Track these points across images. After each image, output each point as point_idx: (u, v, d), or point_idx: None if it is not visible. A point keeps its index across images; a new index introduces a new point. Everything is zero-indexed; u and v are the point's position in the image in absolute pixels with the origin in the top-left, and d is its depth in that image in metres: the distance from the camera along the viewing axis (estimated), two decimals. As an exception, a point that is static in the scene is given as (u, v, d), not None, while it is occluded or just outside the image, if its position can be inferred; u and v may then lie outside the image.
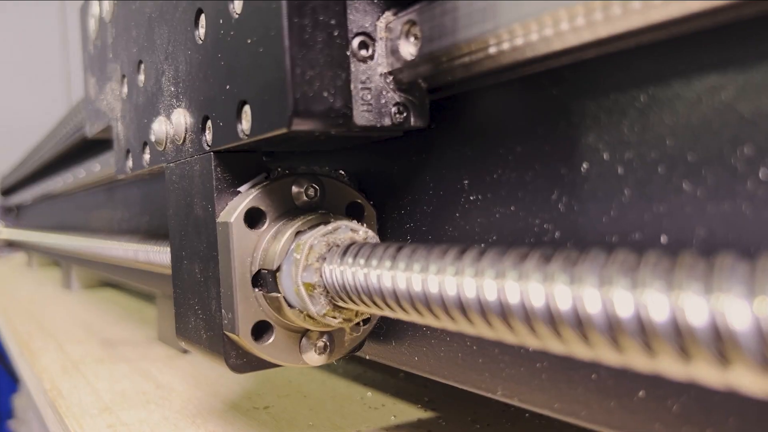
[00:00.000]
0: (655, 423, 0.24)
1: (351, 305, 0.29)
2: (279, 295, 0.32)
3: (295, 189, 0.33)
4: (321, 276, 0.30)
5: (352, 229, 0.32)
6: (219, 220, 0.33)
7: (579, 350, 0.19)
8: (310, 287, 0.30)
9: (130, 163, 0.46)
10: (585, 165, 0.25)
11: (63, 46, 3.17)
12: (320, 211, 0.33)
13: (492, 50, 0.25)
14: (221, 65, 0.32)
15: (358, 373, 0.58)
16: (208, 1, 0.32)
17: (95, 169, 0.94)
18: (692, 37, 0.21)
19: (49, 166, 1.42)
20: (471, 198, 0.31)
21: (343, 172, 0.35)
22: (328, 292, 0.30)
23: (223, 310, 0.33)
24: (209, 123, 0.34)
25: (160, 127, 0.39)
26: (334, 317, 0.31)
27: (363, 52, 0.29)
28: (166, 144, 0.39)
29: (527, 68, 0.27)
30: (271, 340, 0.33)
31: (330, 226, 0.31)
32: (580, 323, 0.18)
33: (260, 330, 0.33)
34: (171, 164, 0.39)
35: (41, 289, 1.45)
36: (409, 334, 0.36)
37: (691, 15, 0.19)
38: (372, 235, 0.32)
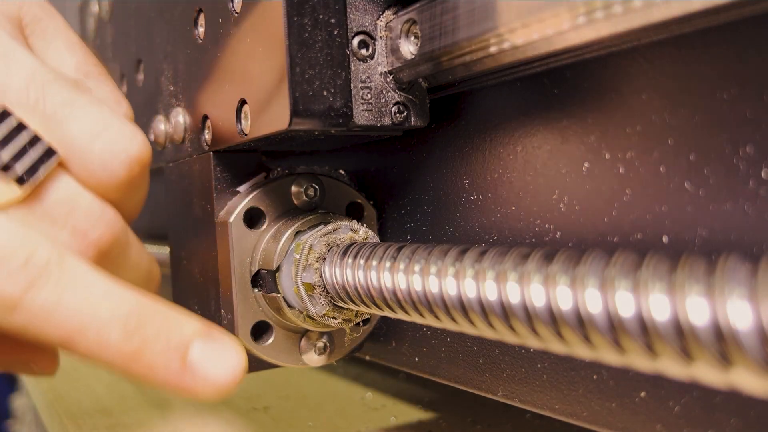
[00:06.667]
0: (656, 424, 0.23)
1: (351, 305, 0.29)
2: (278, 295, 0.32)
3: (294, 189, 0.33)
4: (321, 276, 0.30)
5: (352, 229, 0.31)
6: (218, 220, 0.33)
7: (581, 351, 0.19)
8: (309, 287, 0.30)
9: (129, 162, 0.46)
10: (586, 164, 0.25)
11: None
12: (320, 211, 0.33)
13: (492, 49, 0.25)
14: (220, 64, 0.32)
15: (358, 374, 0.58)
16: (208, 1, 0.32)
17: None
18: (694, 36, 0.21)
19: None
20: (471, 198, 0.31)
21: (343, 172, 0.35)
22: (327, 292, 0.30)
23: (222, 311, 0.33)
24: (208, 122, 0.34)
25: (159, 127, 0.39)
26: (334, 318, 0.31)
27: (363, 51, 0.29)
28: (165, 143, 0.39)
29: (528, 67, 0.27)
30: (270, 341, 0.33)
31: (330, 226, 0.31)
32: (581, 324, 0.18)
33: (260, 330, 0.33)
34: (170, 164, 0.38)
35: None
36: (410, 334, 0.36)
37: (692, 14, 0.19)
38: (372, 235, 0.32)
